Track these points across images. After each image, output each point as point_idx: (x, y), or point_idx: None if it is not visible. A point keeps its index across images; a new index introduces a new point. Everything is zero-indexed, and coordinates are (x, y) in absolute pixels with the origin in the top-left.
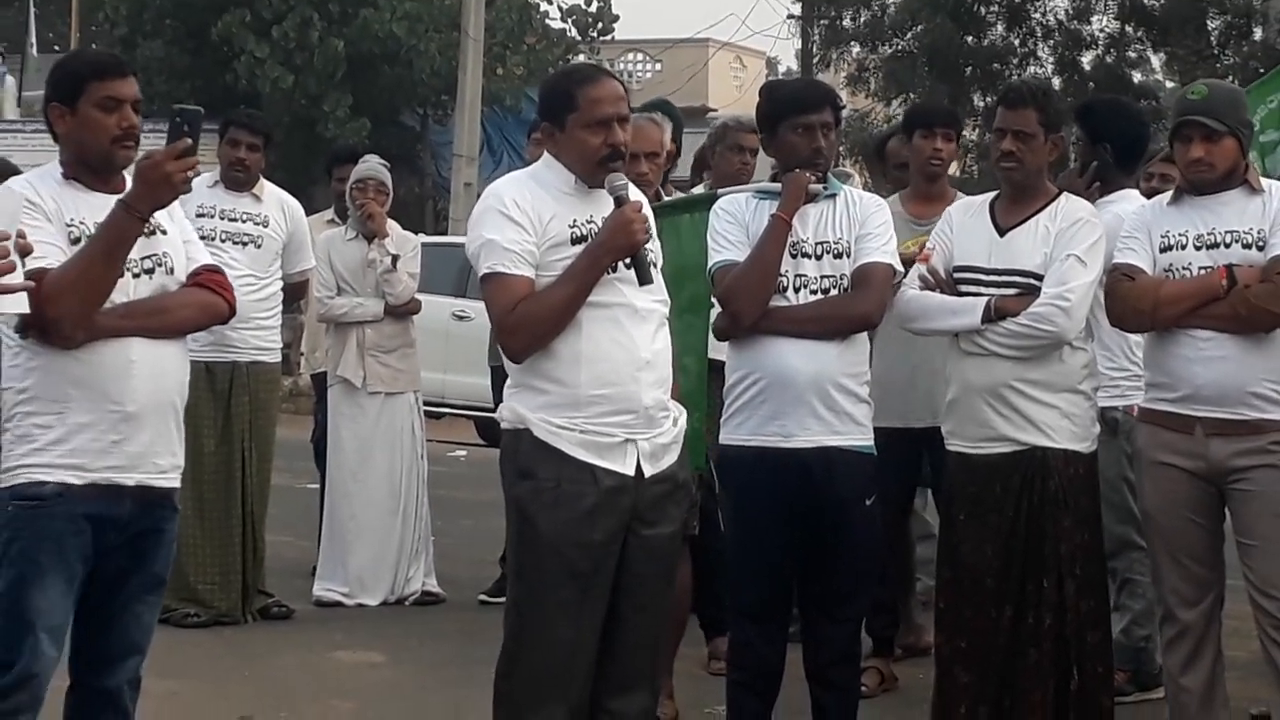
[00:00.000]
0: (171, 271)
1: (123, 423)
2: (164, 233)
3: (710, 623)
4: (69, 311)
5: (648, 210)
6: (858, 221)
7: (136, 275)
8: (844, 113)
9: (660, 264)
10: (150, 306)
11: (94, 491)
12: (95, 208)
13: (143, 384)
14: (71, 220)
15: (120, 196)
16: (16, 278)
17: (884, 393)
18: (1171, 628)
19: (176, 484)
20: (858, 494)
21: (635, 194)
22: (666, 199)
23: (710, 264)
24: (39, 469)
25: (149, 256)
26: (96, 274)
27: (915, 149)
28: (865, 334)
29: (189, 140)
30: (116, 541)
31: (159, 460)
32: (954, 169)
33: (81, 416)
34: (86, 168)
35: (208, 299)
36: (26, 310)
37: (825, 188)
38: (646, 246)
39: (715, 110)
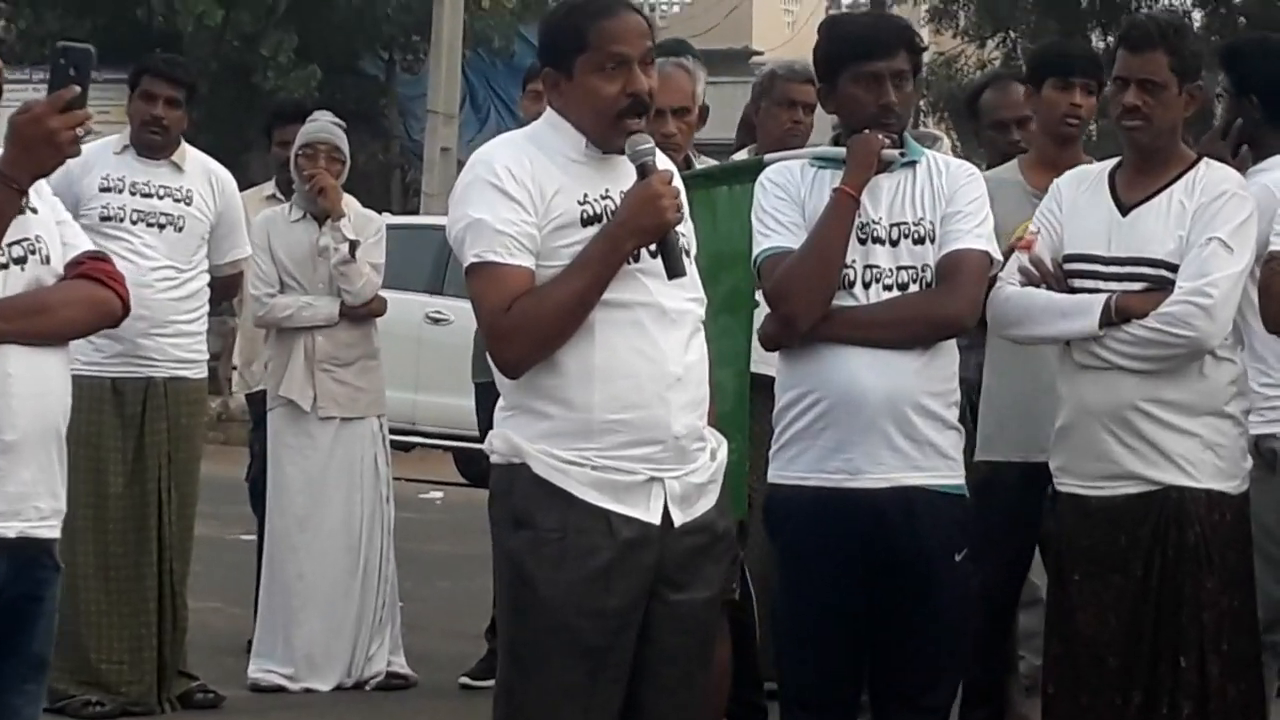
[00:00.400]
0: (47, 260)
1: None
2: (34, 211)
3: (741, 712)
4: None
5: (679, 181)
6: (944, 197)
7: (5, 266)
8: (925, 57)
9: (694, 251)
10: (27, 305)
11: None
12: None
13: (23, 405)
14: None
15: None
16: None
17: (1000, 417)
18: None
19: (57, 534)
20: (945, 547)
21: (663, 161)
22: (699, 167)
23: (755, 252)
24: None
25: (20, 241)
26: None
27: (1046, 103)
28: (953, 342)
29: (77, 88)
30: None
31: (40, 503)
32: None
33: None
34: None
35: (97, 294)
36: None
37: (902, 153)
38: (678, 229)
39: (761, 55)
